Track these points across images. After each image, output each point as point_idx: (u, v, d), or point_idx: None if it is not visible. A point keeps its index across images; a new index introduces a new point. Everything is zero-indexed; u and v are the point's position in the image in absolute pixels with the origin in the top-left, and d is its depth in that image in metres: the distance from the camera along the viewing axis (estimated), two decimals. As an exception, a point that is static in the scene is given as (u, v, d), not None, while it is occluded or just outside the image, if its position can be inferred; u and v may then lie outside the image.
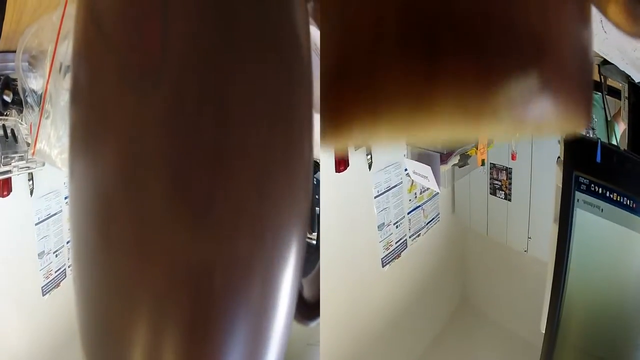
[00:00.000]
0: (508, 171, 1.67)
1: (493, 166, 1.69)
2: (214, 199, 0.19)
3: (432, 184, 1.06)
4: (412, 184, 1.41)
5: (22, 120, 0.72)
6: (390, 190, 1.34)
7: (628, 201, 0.57)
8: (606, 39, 0.54)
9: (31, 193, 1.14)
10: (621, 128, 0.96)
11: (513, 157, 1.58)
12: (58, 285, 1.28)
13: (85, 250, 0.21)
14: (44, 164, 0.74)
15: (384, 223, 1.30)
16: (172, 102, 0.19)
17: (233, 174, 0.19)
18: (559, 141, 1.30)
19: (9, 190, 1.06)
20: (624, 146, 0.83)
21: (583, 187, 0.56)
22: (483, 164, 1.29)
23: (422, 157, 1.08)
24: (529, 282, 1.45)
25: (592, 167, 0.56)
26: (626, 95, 0.82)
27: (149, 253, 0.19)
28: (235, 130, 0.19)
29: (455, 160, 1.10)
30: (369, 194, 1.31)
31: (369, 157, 1.24)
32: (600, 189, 0.57)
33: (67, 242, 1.31)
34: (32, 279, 1.18)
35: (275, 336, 0.21)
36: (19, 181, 1.09)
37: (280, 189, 0.21)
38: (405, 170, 1.31)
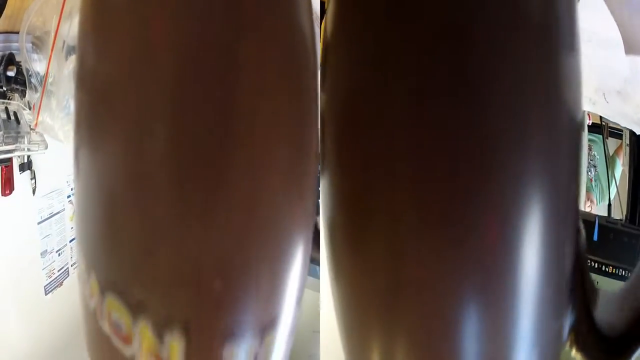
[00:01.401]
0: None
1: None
2: (222, 183, 0.18)
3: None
4: (74, 211, 1.24)
5: (24, 105, 0.72)
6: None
7: (623, 272, 0.61)
8: (608, 106, 0.58)
9: (33, 192, 1.14)
10: (621, 161, 1.00)
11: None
12: (61, 284, 1.27)
13: (90, 244, 0.20)
14: (46, 147, 0.73)
15: (46, 250, 1.20)
16: (179, 74, 0.18)
17: (241, 155, 0.18)
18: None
19: (11, 189, 1.06)
20: (623, 186, 0.86)
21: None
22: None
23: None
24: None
25: (589, 245, 0.59)
26: (627, 142, 0.85)
27: (153, 248, 0.18)
28: (243, 101, 0.18)
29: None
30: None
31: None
32: (596, 264, 0.61)
33: (70, 241, 1.30)
34: (34, 278, 1.17)
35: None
36: (21, 180, 1.09)
37: (288, 179, 0.20)
38: (68, 197, 1.24)
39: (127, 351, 0.19)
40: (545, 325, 0.19)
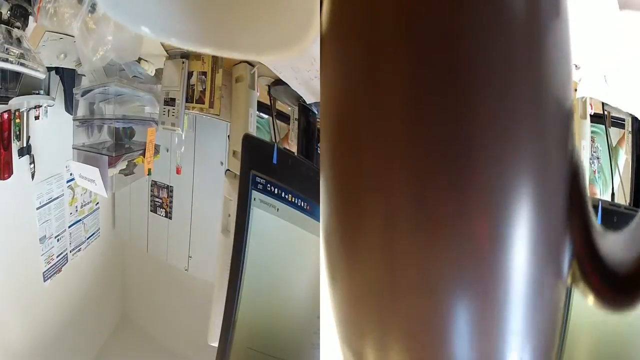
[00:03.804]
0: (169, 189, 1.62)
1: (154, 183, 1.64)
2: None
3: (99, 188, 0.94)
4: (73, 196, 1.33)
5: (26, 43, 0.71)
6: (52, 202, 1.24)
7: (303, 203, 0.60)
8: (609, 89, 0.60)
9: (32, 177, 1.12)
10: (624, 151, 1.02)
11: (178, 171, 1.45)
12: (59, 270, 1.25)
13: None
14: (44, 71, 0.71)
15: (45, 236, 1.21)
16: None
17: None
18: (221, 162, 1.34)
19: (10, 172, 1.04)
20: (627, 176, 0.88)
21: (260, 186, 0.58)
22: (149, 173, 1.20)
23: (88, 159, 0.98)
24: (190, 300, 1.45)
25: (269, 168, 0.59)
26: (629, 129, 0.86)
27: None
28: None
29: (123, 165, 1.03)
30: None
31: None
32: (276, 189, 0.60)
33: (69, 227, 1.29)
34: (33, 265, 1.15)
35: None
36: (20, 164, 1.07)
37: None
38: (67, 182, 1.26)
39: None
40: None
